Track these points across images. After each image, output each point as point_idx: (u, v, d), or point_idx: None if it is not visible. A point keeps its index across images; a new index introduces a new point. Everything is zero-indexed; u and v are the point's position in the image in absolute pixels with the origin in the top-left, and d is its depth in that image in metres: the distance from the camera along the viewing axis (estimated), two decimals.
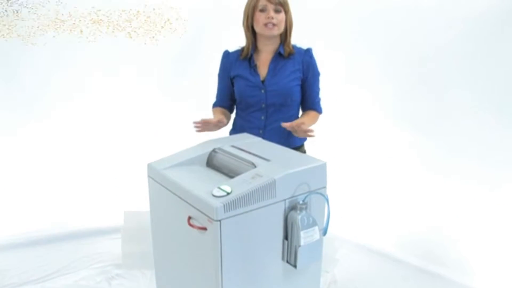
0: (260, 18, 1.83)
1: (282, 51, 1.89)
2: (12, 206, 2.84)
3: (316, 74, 1.94)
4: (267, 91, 1.87)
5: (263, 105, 1.89)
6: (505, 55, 2.42)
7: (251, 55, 1.91)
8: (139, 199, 2.15)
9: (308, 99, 1.96)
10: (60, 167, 2.97)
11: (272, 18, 1.81)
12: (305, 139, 2.03)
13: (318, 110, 1.99)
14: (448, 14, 2.57)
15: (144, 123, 3.10)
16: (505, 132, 2.47)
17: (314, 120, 1.97)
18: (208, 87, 2.13)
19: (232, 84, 1.97)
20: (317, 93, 1.98)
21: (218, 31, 2.94)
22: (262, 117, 1.91)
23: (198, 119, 1.79)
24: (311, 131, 1.73)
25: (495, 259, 2.45)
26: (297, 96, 1.92)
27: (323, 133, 2.27)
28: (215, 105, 2.05)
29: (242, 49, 1.95)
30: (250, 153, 1.59)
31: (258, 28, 1.86)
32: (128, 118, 3.08)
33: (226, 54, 1.98)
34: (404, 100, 2.83)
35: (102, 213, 2.88)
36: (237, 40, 1.98)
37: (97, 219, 2.88)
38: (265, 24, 1.82)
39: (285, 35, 1.89)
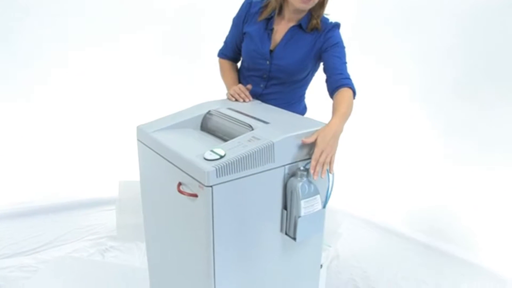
0: None
1: (303, 24, 1.67)
2: (4, 177, 2.76)
3: (341, 45, 1.66)
4: (272, 64, 1.70)
5: (265, 76, 1.74)
6: None
7: (272, 17, 1.71)
8: (134, 169, 2.05)
9: (333, 72, 1.61)
10: (52, 137, 2.87)
11: None
12: (305, 111, 1.88)
13: (350, 86, 1.55)
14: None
15: (140, 90, 2.97)
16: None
17: (345, 104, 1.49)
18: (203, 45, 1.99)
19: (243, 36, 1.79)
20: (343, 64, 1.63)
21: None
22: (261, 85, 1.76)
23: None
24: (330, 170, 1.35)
25: (499, 237, 2.40)
26: (302, 75, 1.74)
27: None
28: (223, 54, 1.88)
29: (266, 5, 1.72)
30: (247, 115, 1.46)
31: None
32: (123, 85, 2.95)
33: (249, 2, 1.76)
34: (424, 81, 2.68)
35: (96, 183, 2.80)
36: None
37: (91, 190, 2.80)
38: None
39: (319, 8, 1.64)
